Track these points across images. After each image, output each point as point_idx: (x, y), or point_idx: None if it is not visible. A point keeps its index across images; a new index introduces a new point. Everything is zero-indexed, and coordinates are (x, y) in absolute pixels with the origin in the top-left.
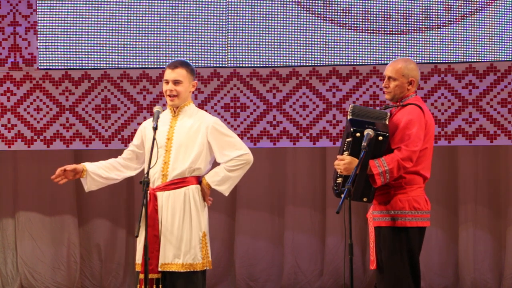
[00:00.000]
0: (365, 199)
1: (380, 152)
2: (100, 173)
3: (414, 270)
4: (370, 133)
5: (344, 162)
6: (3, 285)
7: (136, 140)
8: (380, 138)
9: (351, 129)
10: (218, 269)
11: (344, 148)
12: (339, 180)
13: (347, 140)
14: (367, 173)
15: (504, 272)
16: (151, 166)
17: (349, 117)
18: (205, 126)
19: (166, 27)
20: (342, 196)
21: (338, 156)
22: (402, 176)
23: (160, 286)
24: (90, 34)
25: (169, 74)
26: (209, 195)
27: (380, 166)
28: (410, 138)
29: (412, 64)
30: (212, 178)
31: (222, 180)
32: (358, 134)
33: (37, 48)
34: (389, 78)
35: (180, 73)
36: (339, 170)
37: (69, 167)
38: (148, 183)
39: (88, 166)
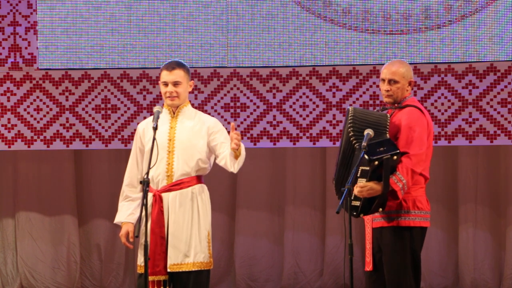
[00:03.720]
0: (380, 209)
1: (395, 167)
2: (136, 215)
3: (415, 270)
4: (370, 133)
5: (367, 189)
6: (3, 285)
7: (136, 145)
8: (395, 157)
9: (367, 158)
10: (218, 269)
11: (359, 175)
12: (357, 203)
13: (363, 168)
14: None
15: (504, 272)
16: (151, 166)
17: (354, 141)
18: (207, 126)
19: (166, 27)
20: (343, 197)
21: (359, 184)
22: None
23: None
24: (90, 34)
25: (167, 76)
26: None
27: (398, 181)
28: (413, 142)
29: (408, 66)
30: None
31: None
32: (376, 163)
33: (37, 48)
34: (390, 81)
35: (179, 74)
36: (361, 195)
37: (125, 235)
38: (148, 183)
39: (131, 219)
